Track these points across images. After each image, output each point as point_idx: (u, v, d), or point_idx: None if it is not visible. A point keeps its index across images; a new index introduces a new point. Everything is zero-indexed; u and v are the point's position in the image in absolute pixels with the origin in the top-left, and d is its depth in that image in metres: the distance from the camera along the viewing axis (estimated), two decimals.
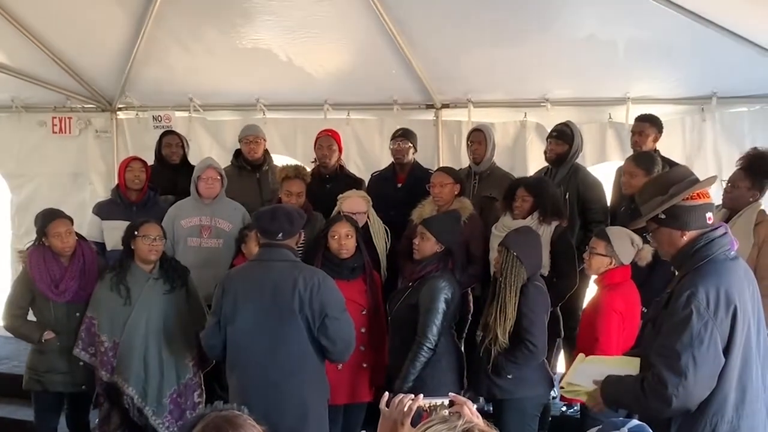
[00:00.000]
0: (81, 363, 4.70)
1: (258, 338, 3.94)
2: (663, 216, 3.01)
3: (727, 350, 2.88)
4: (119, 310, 4.55)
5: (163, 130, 6.69)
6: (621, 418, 2.24)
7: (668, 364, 2.89)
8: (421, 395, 2.20)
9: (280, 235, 4.00)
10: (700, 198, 2.99)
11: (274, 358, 3.91)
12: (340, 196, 5.24)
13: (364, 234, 5.03)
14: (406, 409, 2.15)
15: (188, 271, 4.81)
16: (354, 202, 5.14)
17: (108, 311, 4.58)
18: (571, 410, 5.33)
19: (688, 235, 2.99)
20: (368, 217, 5.17)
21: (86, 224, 5.70)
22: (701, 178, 3.09)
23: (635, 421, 2.16)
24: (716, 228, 3.01)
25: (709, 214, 2.99)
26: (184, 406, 4.63)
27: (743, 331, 2.92)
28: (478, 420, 1.99)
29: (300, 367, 3.95)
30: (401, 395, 2.22)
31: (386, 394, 2.30)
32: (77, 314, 4.74)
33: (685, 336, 2.85)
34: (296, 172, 5.35)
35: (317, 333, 3.94)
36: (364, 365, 4.59)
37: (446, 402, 2.17)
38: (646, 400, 2.96)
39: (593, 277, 4.56)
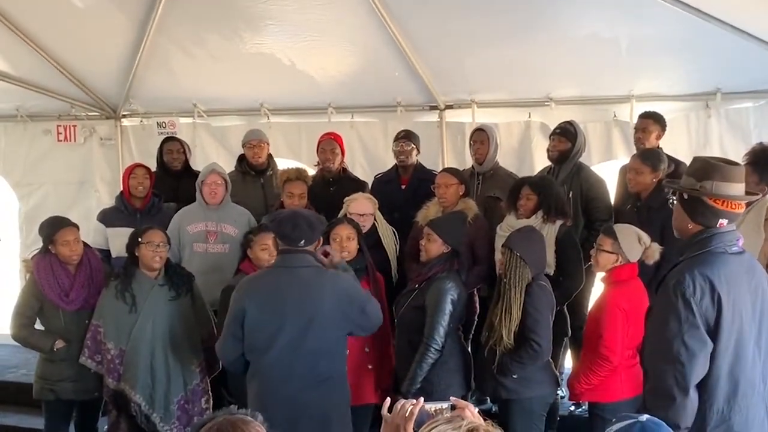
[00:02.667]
0: (92, 370, 4.70)
1: (282, 346, 3.84)
2: (686, 196, 3.06)
3: (713, 338, 2.91)
4: (125, 317, 4.55)
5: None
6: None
7: (661, 354, 2.95)
8: (422, 399, 2.20)
9: (302, 242, 3.92)
10: (724, 205, 2.99)
11: (298, 367, 3.84)
12: (347, 198, 5.22)
13: (372, 236, 5.03)
14: (407, 414, 2.16)
15: (193, 277, 4.81)
16: (361, 204, 5.12)
17: (113, 319, 4.58)
18: (580, 410, 5.30)
19: (693, 226, 3.04)
20: (375, 220, 5.16)
21: (91, 231, 5.70)
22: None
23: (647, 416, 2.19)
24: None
25: (722, 220, 3.00)
26: (191, 412, 4.63)
27: (733, 323, 2.93)
28: (481, 421, 1.99)
29: (324, 374, 3.89)
30: (402, 400, 2.22)
31: (388, 399, 2.30)
32: (87, 322, 4.73)
33: (673, 322, 2.91)
34: (297, 174, 5.37)
35: (354, 328, 3.99)
36: (369, 367, 4.58)
37: (447, 406, 2.16)
38: (648, 409, 2.97)
39: (599, 275, 4.54)
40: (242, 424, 2.06)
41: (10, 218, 8.18)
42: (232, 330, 3.91)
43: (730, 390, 2.94)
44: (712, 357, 2.91)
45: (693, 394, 2.93)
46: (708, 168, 3.05)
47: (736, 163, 3.18)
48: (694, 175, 3.05)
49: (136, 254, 4.61)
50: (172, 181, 6.20)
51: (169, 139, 6.53)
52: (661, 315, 3.00)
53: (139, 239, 4.59)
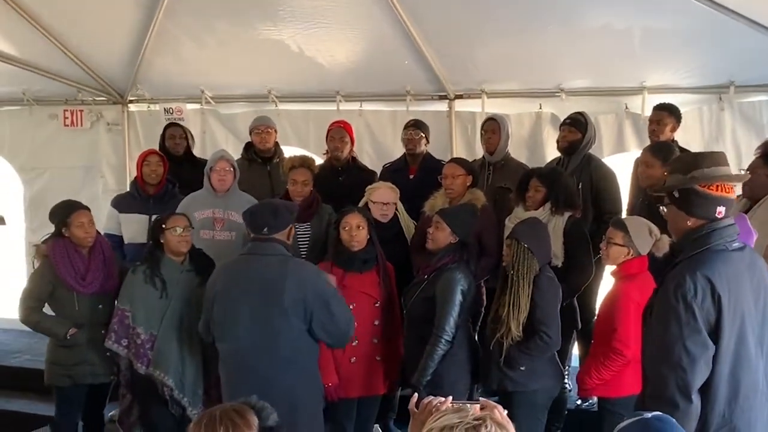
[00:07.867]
0: (108, 353, 4.68)
1: (247, 333, 3.95)
2: (676, 195, 2.99)
3: (714, 340, 2.85)
4: (155, 302, 4.53)
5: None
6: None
7: (662, 360, 2.89)
8: (450, 398, 2.20)
9: (265, 229, 4.00)
10: (718, 190, 2.94)
11: (263, 353, 3.91)
12: (369, 187, 5.21)
13: (393, 227, 5.04)
14: (434, 411, 2.15)
15: (213, 262, 4.76)
16: (384, 193, 5.12)
17: (144, 304, 4.56)
18: (587, 404, 5.27)
19: (693, 221, 2.96)
20: (397, 210, 5.14)
21: (104, 217, 5.73)
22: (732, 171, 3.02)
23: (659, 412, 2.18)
24: (723, 218, 2.97)
25: (720, 208, 2.94)
26: (213, 398, 4.58)
27: (734, 323, 2.87)
28: (509, 425, 1.98)
29: (290, 361, 3.94)
30: (430, 397, 2.23)
31: (415, 395, 2.31)
32: (100, 306, 4.76)
33: (674, 326, 2.84)
34: (302, 161, 5.33)
35: (311, 326, 3.95)
36: (378, 358, 4.54)
37: (476, 406, 2.13)
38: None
39: (607, 269, 4.49)
40: (234, 414, 2.35)
41: (14, 202, 8.14)
42: (204, 315, 4.15)
43: (732, 392, 2.88)
44: (714, 359, 2.85)
45: (696, 400, 2.86)
46: (691, 160, 3.05)
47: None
48: (680, 171, 3.01)
49: (161, 240, 4.59)
50: (173, 167, 6.12)
51: (172, 125, 6.49)
52: (661, 318, 2.92)
53: (163, 225, 4.57)
